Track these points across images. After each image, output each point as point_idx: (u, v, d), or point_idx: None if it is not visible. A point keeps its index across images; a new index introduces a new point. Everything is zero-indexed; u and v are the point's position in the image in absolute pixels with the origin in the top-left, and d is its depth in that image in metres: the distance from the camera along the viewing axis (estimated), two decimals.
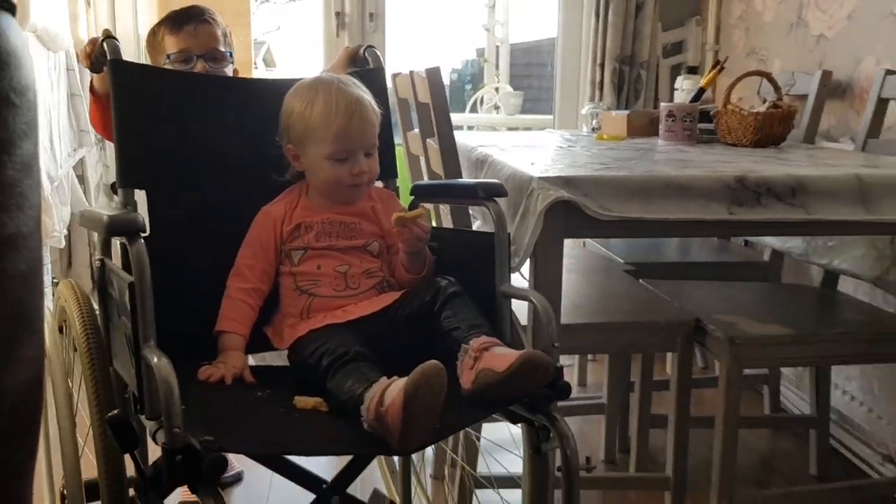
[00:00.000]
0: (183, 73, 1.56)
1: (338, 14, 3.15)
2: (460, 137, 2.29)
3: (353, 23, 3.15)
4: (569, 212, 1.36)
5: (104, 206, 1.20)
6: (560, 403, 2.37)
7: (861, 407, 2.07)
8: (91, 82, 1.58)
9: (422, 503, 1.80)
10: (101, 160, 3.14)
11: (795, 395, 2.37)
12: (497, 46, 6.54)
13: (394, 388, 0.97)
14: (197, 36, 1.67)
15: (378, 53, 1.56)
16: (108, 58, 1.30)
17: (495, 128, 5.39)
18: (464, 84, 8.17)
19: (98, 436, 1.10)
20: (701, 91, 2.13)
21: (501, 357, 1.08)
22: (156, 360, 0.95)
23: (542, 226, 1.35)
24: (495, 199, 1.28)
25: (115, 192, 1.30)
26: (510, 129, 5.31)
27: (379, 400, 0.97)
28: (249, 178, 1.36)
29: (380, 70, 1.52)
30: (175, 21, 1.69)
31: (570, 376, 2.62)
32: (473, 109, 6.18)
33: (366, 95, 1.33)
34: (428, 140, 1.82)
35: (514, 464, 1.69)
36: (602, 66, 2.99)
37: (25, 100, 0.59)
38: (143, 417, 1.01)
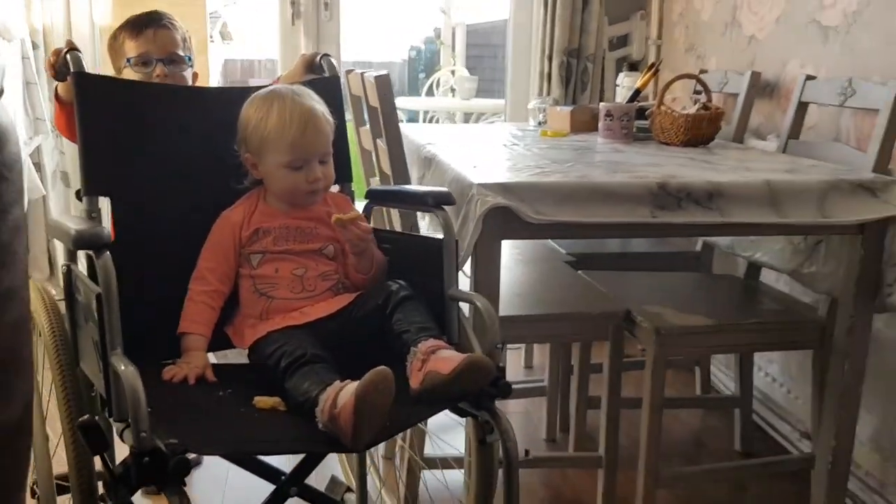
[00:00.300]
0: (144, 83, 1.63)
1: (293, 3, 3.21)
2: (410, 132, 2.40)
3: (309, 12, 3.21)
4: (506, 215, 1.48)
5: (70, 216, 1.27)
6: None
7: (781, 388, 2.24)
8: (56, 89, 1.64)
9: (374, 482, 1.92)
10: (57, 147, 3.16)
11: (725, 376, 2.54)
12: (453, 29, 6.62)
13: (346, 392, 1.08)
14: (156, 40, 1.73)
15: (333, 62, 1.65)
16: (72, 70, 1.37)
17: (451, 113, 5.50)
18: (419, 68, 8.21)
19: (68, 435, 1.19)
20: (637, 92, 2.25)
21: (447, 360, 1.19)
22: (123, 367, 1.04)
23: (481, 229, 1.46)
24: (444, 206, 1.40)
25: (80, 199, 1.38)
26: (466, 113, 5.42)
27: (332, 402, 1.08)
28: (209, 185, 1.44)
29: (335, 79, 1.60)
30: (135, 26, 1.75)
31: (518, 359, 2.76)
32: (430, 92, 6.27)
33: (319, 106, 1.42)
34: (378, 140, 1.91)
35: (458, 443, 1.82)
36: (550, 58, 3.10)
37: (15, 172, 0.67)
38: (111, 419, 1.11)
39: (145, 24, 1.74)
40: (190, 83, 1.78)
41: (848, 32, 2.01)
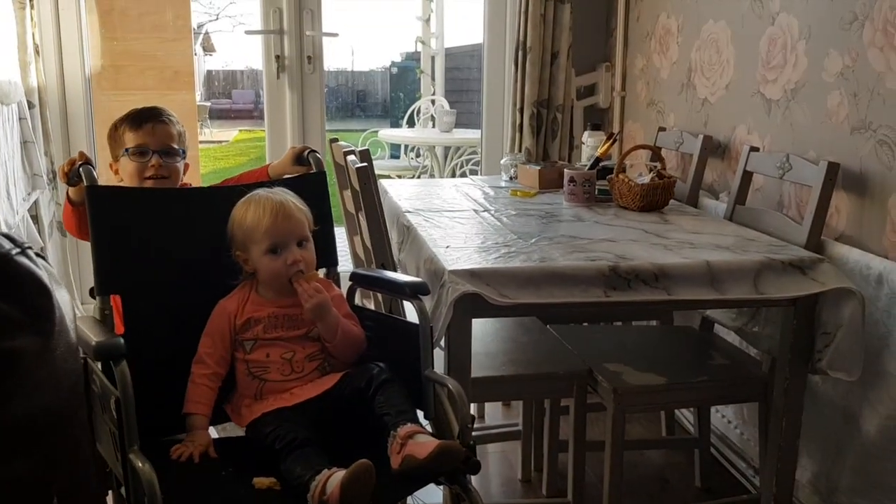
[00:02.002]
0: (149, 189, 1.80)
1: (277, 58, 3.37)
2: (390, 189, 2.57)
3: (293, 66, 3.38)
4: (475, 297, 1.65)
5: (88, 321, 1.43)
6: (485, 431, 2.69)
7: (735, 429, 2.42)
8: (67, 193, 1.80)
9: None
10: (53, 199, 3.31)
11: (690, 413, 2.72)
12: (432, 57, 6.80)
13: (333, 481, 1.26)
14: (154, 134, 1.89)
15: (319, 157, 1.83)
16: (85, 184, 1.54)
17: (431, 146, 5.69)
18: (398, 90, 8.42)
19: None
20: (598, 160, 2.44)
21: (422, 445, 1.35)
22: (140, 465, 1.21)
23: (453, 312, 1.64)
24: (420, 296, 1.57)
25: (93, 297, 1.54)
26: (446, 147, 5.62)
27: (321, 489, 1.25)
28: (209, 279, 1.62)
29: (321, 174, 1.78)
30: (136, 119, 1.90)
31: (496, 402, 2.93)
32: (411, 120, 6.45)
33: (290, 198, 1.62)
34: (359, 214, 2.09)
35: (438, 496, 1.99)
36: (521, 110, 3.29)
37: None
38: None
39: (146, 119, 1.89)
40: (182, 173, 1.94)
41: (787, 107, 2.20)
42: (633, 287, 1.70)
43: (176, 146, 1.92)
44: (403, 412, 1.44)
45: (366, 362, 1.65)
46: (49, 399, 0.68)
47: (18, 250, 0.70)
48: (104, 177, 1.98)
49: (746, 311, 2.04)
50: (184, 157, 1.94)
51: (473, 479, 1.53)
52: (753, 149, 2.24)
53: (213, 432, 1.61)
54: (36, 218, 3.23)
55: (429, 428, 1.60)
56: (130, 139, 1.91)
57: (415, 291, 1.58)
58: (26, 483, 0.66)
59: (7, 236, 0.71)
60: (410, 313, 1.61)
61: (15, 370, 0.66)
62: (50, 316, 0.69)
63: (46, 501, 0.69)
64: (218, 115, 14.44)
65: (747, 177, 2.25)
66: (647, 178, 2.26)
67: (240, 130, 13.41)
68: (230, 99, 16.57)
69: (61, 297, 0.73)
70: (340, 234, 2.67)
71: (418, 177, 6.00)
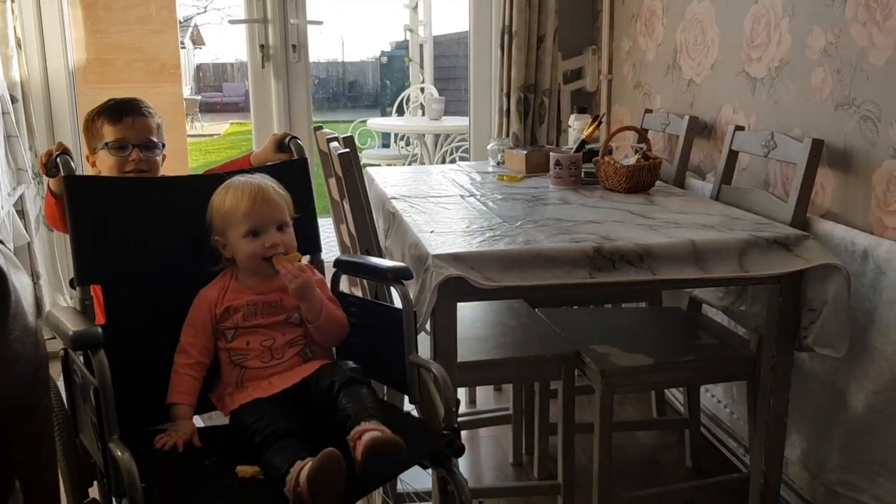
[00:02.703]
0: (127, 179, 1.78)
1: (262, 47, 3.35)
2: (377, 177, 2.56)
3: (278, 55, 3.36)
4: (459, 282, 1.64)
5: (66, 311, 1.41)
6: (476, 416, 2.69)
7: (725, 409, 2.42)
8: (48, 185, 1.78)
9: None
10: (39, 193, 3.29)
11: (680, 394, 2.72)
12: (420, 45, 6.77)
13: (304, 472, 1.25)
14: (134, 128, 1.87)
15: (301, 144, 1.81)
16: (63, 174, 1.53)
17: (421, 134, 5.68)
18: (387, 79, 8.40)
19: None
20: (583, 143, 2.43)
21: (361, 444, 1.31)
22: (119, 454, 1.20)
23: (437, 296, 1.63)
24: (402, 281, 1.56)
25: (73, 287, 1.53)
26: (435, 134, 5.61)
27: (295, 481, 1.25)
28: (189, 268, 1.61)
29: (302, 161, 1.77)
30: (115, 113, 1.87)
31: (488, 386, 2.93)
32: (400, 108, 6.43)
33: (269, 182, 1.61)
34: (343, 202, 2.07)
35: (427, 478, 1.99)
36: (508, 95, 3.27)
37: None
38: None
39: (126, 112, 1.87)
40: (160, 164, 1.92)
41: (772, 86, 2.19)
42: (618, 268, 1.69)
43: (155, 139, 1.90)
44: (361, 412, 1.40)
45: (349, 348, 1.65)
46: (2, 384, 0.67)
47: None
48: (88, 171, 1.97)
49: (733, 290, 2.03)
50: (162, 149, 1.92)
51: (465, 463, 1.54)
52: (739, 128, 2.23)
53: (199, 421, 1.61)
54: (22, 213, 3.21)
55: (415, 412, 1.60)
56: (110, 133, 1.88)
57: (397, 276, 1.57)
58: None
59: None
60: (398, 302, 1.61)
61: None
62: (5, 300, 0.68)
63: (5, 486, 0.68)
64: (208, 109, 14.38)
65: (733, 156, 2.24)
66: (632, 160, 2.25)
67: (231, 123, 13.36)
68: (220, 92, 16.51)
69: (20, 281, 0.71)
70: (329, 224, 2.67)
71: (409, 165, 5.99)
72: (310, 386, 1.51)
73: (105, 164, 1.87)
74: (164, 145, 1.92)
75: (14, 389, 0.69)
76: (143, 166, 1.85)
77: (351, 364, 1.53)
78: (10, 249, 0.73)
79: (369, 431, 1.33)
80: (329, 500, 1.24)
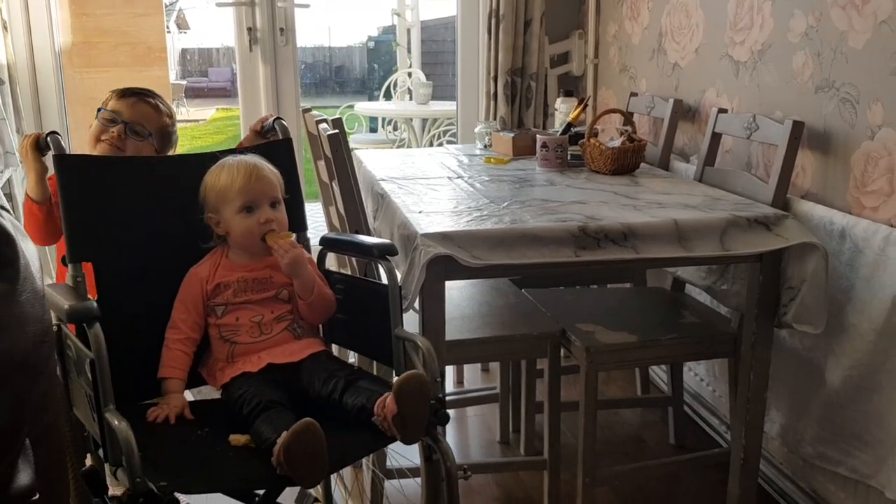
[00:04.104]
0: (118, 158, 1.80)
1: (249, 30, 3.35)
2: (365, 160, 2.58)
3: (265, 39, 3.36)
4: (447, 260, 1.68)
5: (60, 287, 1.44)
6: (463, 395, 2.73)
7: (707, 387, 2.47)
8: (26, 194, 1.80)
9: (341, 492, 2.13)
10: (27, 177, 3.29)
11: (664, 373, 2.77)
12: (408, 30, 6.77)
13: (280, 440, 1.28)
14: (132, 108, 1.90)
15: (285, 124, 1.83)
16: (53, 152, 1.54)
17: (408, 118, 5.69)
18: (374, 63, 8.39)
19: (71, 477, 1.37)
20: (569, 126, 2.46)
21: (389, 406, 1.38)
22: (117, 423, 1.23)
23: (426, 274, 1.66)
24: (388, 257, 1.59)
25: (65, 265, 1.55)
26: (423, 119, 5.63)
27: (279, 452, 1.27)
28: (180, 246, 1.63)
29: (287, 141, 1.79)
30: (125, 91, 1.92)
31: (475, 366, 2.97)
32: (388, 93, 6.44)
33: (262, 161, 1.64)
34: (332, 183, 2.10)
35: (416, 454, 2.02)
36: (495, 78, 3.29)
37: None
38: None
39: (133, 93, 1.91)
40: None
41: (755, 69, 2.23)
42: (603, 246, 1.73)
43: (146, 128, 1.91)
44: (371, 396, 1.44)
45: (336, 324, 1.68)
46: (17, 341, 0.70)
47: None
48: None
49: (715, 269, 2.08)
50: (152, 143, 1.93)
51: (453, 441, 1.58)
52: (722, 110, 2.26)
53: (189, 395, 1.63)
54: (10, 196, 3.21)
55: None
56: (110, 104, 1.92)
57: (383, 252, 1.60)
58: None
59: None
60: (385, 280, 1.64)
61: None
62: (14, 263, 0.71)
63: (17, 444, 0.71)
64: (194, 94, 14.29)
65: (716, 138, 2.28)
66: (617, 142, 2.28)
67: (217, 109, 13.29)
68: (206, 77, 16.40)
69: (27, 247, 0.74)
70: (318, 207, 2.69)
71: (396, 149, 6.01)
72: (304, 380, 1.54)
73: (92, 128, 1.90)
74: (150, 135, 1.92)
75: (27, 349, 0.72)
76: (120, 144, 1.86)
77: (344, 366, 1.57)
78: (15, 219, 0.76)
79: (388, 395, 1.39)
80: (306, 470, 1.27)
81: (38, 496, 0.73)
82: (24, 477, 0.71)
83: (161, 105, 1.95)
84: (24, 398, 0.71)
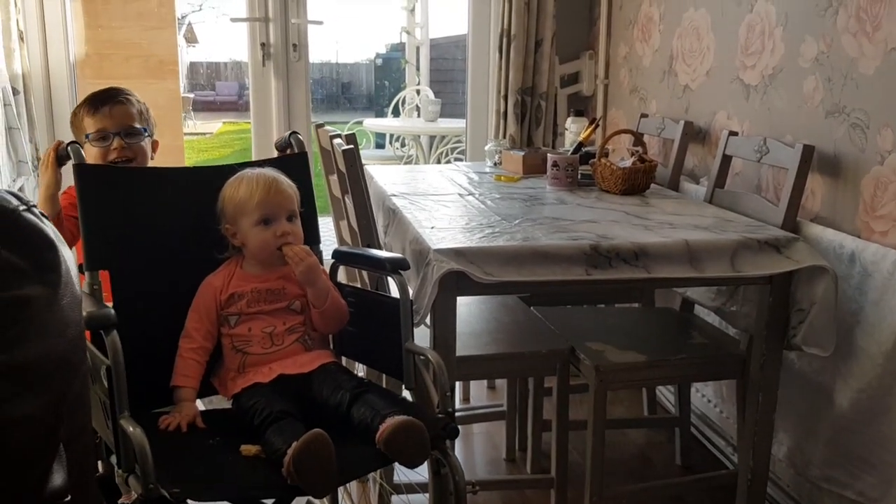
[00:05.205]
0: (136, 168, 1.82)
1: (263, 45, 3.39)
2: (376, 175, 2.60)
3: (278, 54, 3.40)
4: (459, 276, 1.69)
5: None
6: (470, 412, 2.74)
7: (715, 408, 2.48)
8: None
9: None
10: (39, 186, 3.31)
11: (670, 393, 2.77)
12: (417, 48, 6.82)
13: (290, 451, 1.29)
14: (112, 116, 1.89)
15: (301, 139, 1.85)
16: (73, 162, 1.56)
17: (416, 135, 5.73)
18: (383, 79, 8.46)
19: None
20: (580, 145, 2.48)
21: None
22: (132, 429, 1.24)
23: (438, 290, 1.67)
24: (400, 272, 1.61)
25: (83, 273, 1.56)
26: (430, 136, 5.66)
27: (290, 461, 1.28)
28: (196, 256, 1.64)
29: (303, 155, 1.81)
30: (93, 103, 1.90)
31: (481, 383, 2.98)
32: (396, 110, 6.48)
33: (280, 175, 1.66)
34: (345, 197, 2.12)
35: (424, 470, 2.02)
36: (505, 97, 3.32)
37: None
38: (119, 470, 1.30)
39: (102, 102, 1.89)
40: (149, 152, 1.94)
41: (765, 92, 2.25)
42: (614, 265, 1.74)
43: (137, 125, 1.91)
44: (375, 416, 1.44)
45: (346, 337, 1.70)
46: (58, 344, 0.72)
47: (25, 207, 0.73)
48: None
49: (725, 290, 2.08)
50: (149, 135, 1.93)
51: (459, 458, 1.57)
52: (732, 133, 2.28)
53: (200, 405, 1.64)
54: None
55: (409, 397, 1.64)
56: (90, 124, 1.90)
57: (395, 267, 1.62)
58: (37, 422, 0.70)
59: (13, 194, 0.74)
60: (395, 294, 1.65)
61: (26, 315, 0.69)
62: (56, 268, 0.73)
63: (55, 444, 0.72)
64: (202, 107, 14.37)
65: (726, 160, 2.29)
66: (628, 163, 2.30)
67: (223, 122, 13.37)
68: (214, 91, 16.50)
69: (66, 253, 0.76)
70: (328, 222, 2.71)
71: (403, 165, 6.04)
72: (314, 391, 1.55)
73: (90, 155, 1.87)
74: (146, 130, 1.93)
75: (67, 352, 0.73)
76: (127, 153, 1.87)
77: (353, 378, 1.58)
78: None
79: (389, 418, 1.39)
80: (316, 480, 1.28)
81: (70, 497, 0.74)
82: (57, 478, 0.72)
83: (128, 95, 1.93)
84: (63, 400, 0.73)
